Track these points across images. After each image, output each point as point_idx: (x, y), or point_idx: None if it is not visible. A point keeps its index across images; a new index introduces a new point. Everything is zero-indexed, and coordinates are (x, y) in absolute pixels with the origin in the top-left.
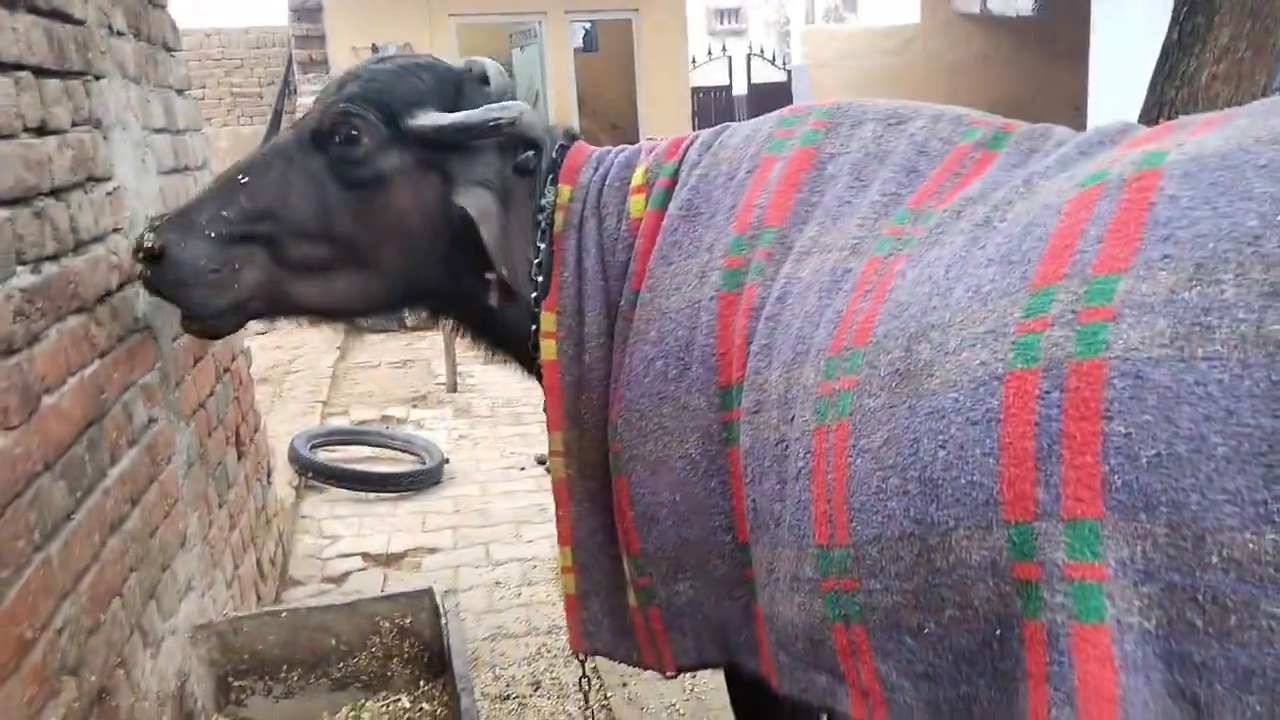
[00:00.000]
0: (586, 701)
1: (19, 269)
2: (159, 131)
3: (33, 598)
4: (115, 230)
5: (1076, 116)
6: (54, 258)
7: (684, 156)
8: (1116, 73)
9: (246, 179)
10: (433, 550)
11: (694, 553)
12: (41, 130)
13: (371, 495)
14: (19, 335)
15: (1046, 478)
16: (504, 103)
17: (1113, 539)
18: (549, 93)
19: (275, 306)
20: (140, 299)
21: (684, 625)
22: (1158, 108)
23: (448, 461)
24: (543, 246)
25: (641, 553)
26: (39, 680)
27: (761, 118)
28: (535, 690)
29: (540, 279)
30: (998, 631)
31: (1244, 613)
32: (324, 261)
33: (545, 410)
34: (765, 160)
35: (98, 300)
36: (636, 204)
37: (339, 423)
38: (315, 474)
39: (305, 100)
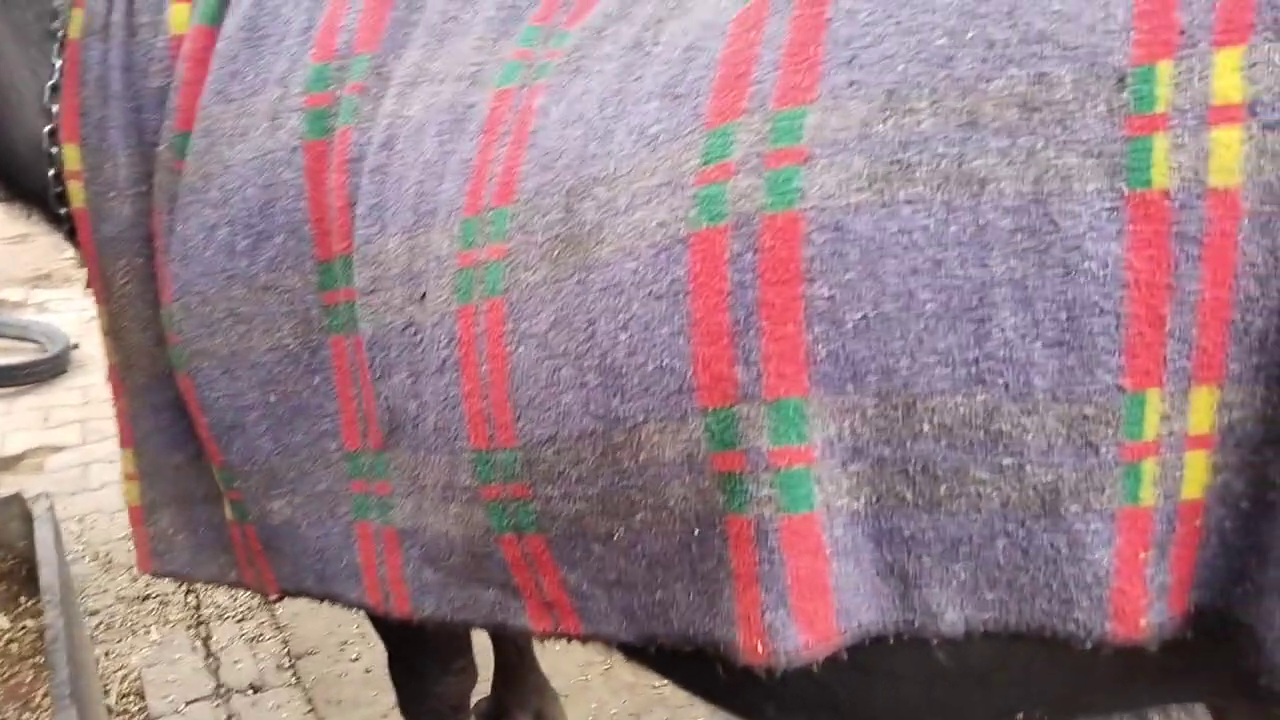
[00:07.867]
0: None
1: None
2: None
3: None
4: None
5: None
6: None
7: None
8: None
9: None
10: (58, 449)
11: (294, 464)
12: None
13: None
14: None
15: (746, 354)
16: None
17: (819, 417)
18: None
19: None
20: None
21: (282, 547)
22: None
23: (75, 347)
24: (57, 62)
25: (226, 465)
26: None
27: None
28: (179, 585)
29: (54, 106)
30: (696, 532)
31: (953, 481)
32: None
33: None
34: None
35: None
36: (178, 15)
37: None
38: None
39: None
